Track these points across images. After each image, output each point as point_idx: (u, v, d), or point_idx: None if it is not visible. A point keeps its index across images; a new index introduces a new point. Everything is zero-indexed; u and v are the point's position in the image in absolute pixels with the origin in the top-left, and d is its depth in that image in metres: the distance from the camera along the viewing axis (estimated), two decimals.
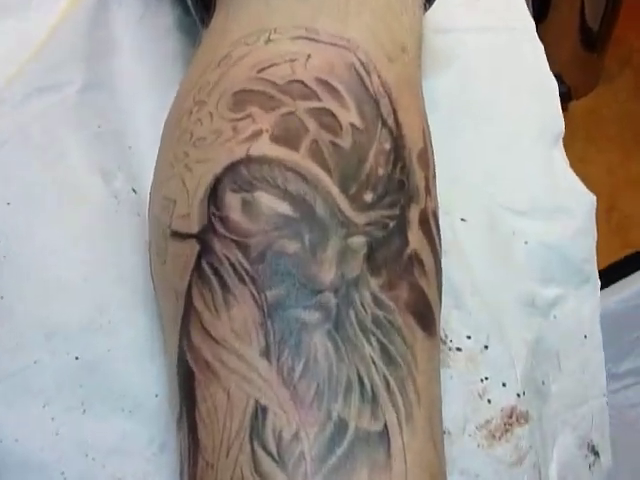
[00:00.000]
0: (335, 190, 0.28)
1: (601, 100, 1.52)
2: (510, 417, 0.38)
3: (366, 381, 0.27)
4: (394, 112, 0.30)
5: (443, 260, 0.32)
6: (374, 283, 0.28)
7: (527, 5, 0.53)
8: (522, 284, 0.42)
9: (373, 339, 0.27)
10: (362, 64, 0.30)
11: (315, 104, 0.29)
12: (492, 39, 0.50)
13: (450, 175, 0.41)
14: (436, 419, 0.29)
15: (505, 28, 0.51)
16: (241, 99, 0.29)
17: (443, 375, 0.33)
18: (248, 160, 0.28)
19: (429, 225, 0.31)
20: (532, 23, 0.52)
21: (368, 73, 0.30)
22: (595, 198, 0.46)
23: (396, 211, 0.29)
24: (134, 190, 0.42)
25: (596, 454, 0.41)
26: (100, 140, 0.43)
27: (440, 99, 0.45)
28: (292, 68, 0.30)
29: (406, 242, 0.29)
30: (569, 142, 0.48)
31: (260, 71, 0.30)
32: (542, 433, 0.40)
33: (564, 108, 0.48)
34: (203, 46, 0.34)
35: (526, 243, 0.43)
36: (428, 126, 0.33)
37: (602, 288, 0.46)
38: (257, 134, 0.28)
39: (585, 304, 0.44)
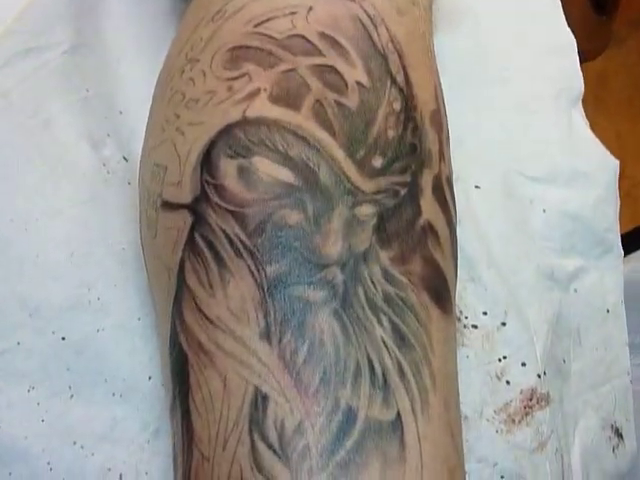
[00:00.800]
0: (340, 155, 0.27)
1: (610, 63, 1.53)
2: (530, 399, 0.37)
3: (377, 365, 0.25)
4: (404, 69, 0.29)
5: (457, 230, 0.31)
6: (384, 257, 0.27)
7: None
8: (540, 255, 0.42)
9: (384, 319, 0.26)
10: (369, 16, 0.29)
11: (318, 60, 0.28)
12: None
13: (461, 138, 0.40)
14: (453, 406, 0.28)
15: None
16: (236, 56, 0.28)
17: (458, 355, 0.32)
18: (245, 122, 0.27)
19: (443, 192, 0.30)
20: None
21: (375, 26, 0.29)
22: (618, 162, 0.46)
23: (407, 177, 0.28)
24: (125, 158, 0.41)
25: (620, 436, 0.41)
26: (88, 105, 0.42)
27: (452, 57, 0.44)
28: (292, 21, 0.28)
29: (419, 211, 0.28)
30: None
31: (257, 25, 0.29)
32: (563, 416, 0.39)
33: None
34: (196, 0, 0.33)
35: (544, 211, 0.43)
36: (440, 85, 0.32)
37: None
38: (254, 94, 0.27)
39: (607, 276, 0.44)
